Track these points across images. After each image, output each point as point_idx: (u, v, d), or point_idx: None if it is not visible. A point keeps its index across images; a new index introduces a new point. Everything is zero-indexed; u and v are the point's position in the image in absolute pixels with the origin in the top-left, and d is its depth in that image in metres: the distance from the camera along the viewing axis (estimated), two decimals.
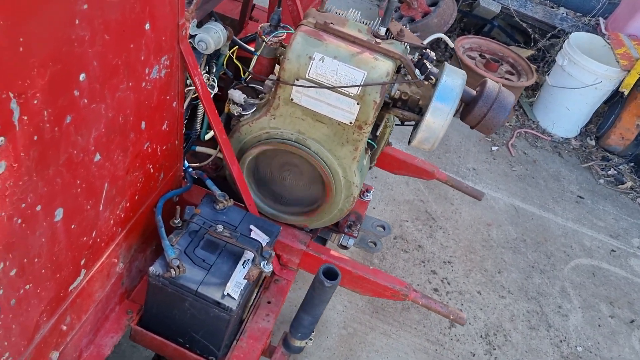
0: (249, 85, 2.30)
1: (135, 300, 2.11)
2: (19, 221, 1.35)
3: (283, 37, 2.29)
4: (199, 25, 2.13)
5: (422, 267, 3.57)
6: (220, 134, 2.09)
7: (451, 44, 2.26)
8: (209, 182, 2.18)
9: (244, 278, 1.96)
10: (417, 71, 2.05)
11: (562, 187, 4.67)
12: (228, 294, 1.89)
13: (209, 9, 2.22)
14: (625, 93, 4.60)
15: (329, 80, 1.98)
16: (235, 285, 1.92)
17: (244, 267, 1.98)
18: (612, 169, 4.93)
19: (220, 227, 1.99)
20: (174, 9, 1.77)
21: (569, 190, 4.65)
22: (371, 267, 2.41)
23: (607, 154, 5.07)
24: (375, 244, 2.87)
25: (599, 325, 3.60)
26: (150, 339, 2.06)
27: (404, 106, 2.18)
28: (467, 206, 4.12)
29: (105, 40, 1.46)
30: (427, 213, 3.96)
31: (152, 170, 1.99)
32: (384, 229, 2.85)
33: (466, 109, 2.26)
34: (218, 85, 2.33)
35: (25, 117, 1.25)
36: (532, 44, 5.63)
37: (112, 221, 1.81)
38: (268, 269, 1.99)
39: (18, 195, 1.31)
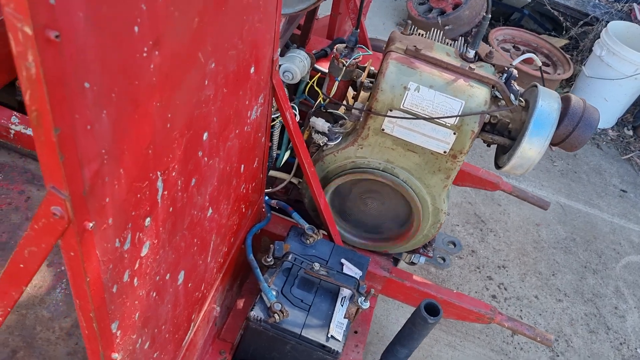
0: (327, 110, 2.22)
1: (226, 339, 2.07)
2: (154, 294, 1.29)
3: (359, 59, 2.21)
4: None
5: (478, 273, 3.53)
6: (309, 167, 2.02)
7: (539, 63, 2.18)
8: (295, 215, 2.12)
9: (344, 317, 1.91)
10: (511, 96, 1.98)
11: (605, 180, 4.62)
12: (332, 336, 1.84)
13: (288, 36, 2.13)
14: None
15: (425, 111, 1.90)
16: (338, 326, 1.88)
17: (342, 306, 1.94)
18: None
19: (316, 265, 1.94)
20: (272, 45, 1.69)
21: (611, 184, 4.60)
22: (454, 291, 2.36)
23: None
24: (444, 260, 2.82)
25: None
26: None
27: (492, 130, 2.11)
28: (515, 206, 4.07)
29: (224, 94, 1.39)
30: (477, 216, 3.91)
31: (244, 210, 1.93)
32: (454, 245, 2.80)
33: None
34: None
35: (166, 192, 1.18)
36: (564, 32, 5.52)
37: (215, 269, 1.76)
38: (366, 305, 1.94)
39: (155, 269, 1.25)
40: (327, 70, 2.30)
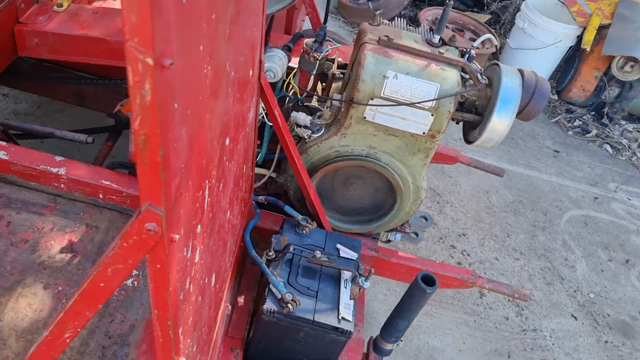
0: (304, 104, 2.30)
1: (234, 336, 2.12)
2: (200, 298, 1.34)
3: (329, 52, 2.30)
4: None
5: (442, 243, 3.73)
6: (298, 160, 2.10)
7: (496, 42, 2.35)
8: (287, 208, 2.19)
9: (350, 298, 2.01)
10: (479, 75, 2.13)
11: (539, 143, 4.96)
12: (343, 318, 1.94)
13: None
14: (588, 49, 4.89)
15: (405, 97, 2.02)
16: (346, 307, 1.98)
17: (346, 288, 2.04)
18: (577, 120, 5.27)
19: (318, 253, 2.02)
20: (259, 47, 1.75)
21: (545, 146, 4.95)
22: (437, 262, 2.52)
23: (570, 106, 5.41)
24: (417, 234, 2.98)
25: (602, 270, 3.93)
26: None
27: (461, 108, 2.26)
28: (464, 177, 4.31)
29: (237, 99, 1.45)
30: (432, 189, 4.11)
31: (243, 208, 1.98)
32: (426, 220, 2.96)
33: None
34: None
35: (209, 199, 1.24)
36: (485, 7, 5.82)
37: (230, 269, 1.81)
38: (367, 285, 2.05)
39: (201, 274, 1.30)
40: (295, 66, 2.38)
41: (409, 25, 2.27)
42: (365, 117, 2.09)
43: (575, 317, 3.55)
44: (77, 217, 2.31)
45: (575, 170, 4.78)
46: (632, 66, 4.84)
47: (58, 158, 2.31)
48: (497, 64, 2.24)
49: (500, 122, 2.15)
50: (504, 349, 3.23)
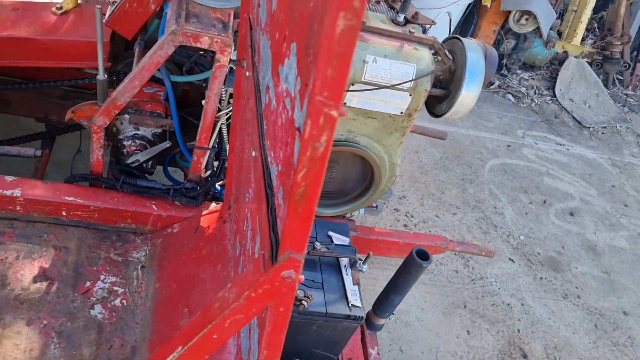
0: None
1: None
2: None
3: None
4: None
5: (386, 208, 3.85)
6: None
7: (450, 16, 2.40)
8: None
9: (353, 284, 2.04)
10: (446, 51, 2.19)
11: None
12: (353, 305, 1.97)
13: None
14: (489, 6, 5.15)
15: (385, 79, 2.03)
16: (352, 294, 2.00)
17: (347, 274, 2.06)
18: None
19: (318, 245, 2.02)
20: None
21: None
22: (411, 232, 2.61)
23: None
24: (376, 206, 3.04)
25: (526, 213, 4.28)
26: None
27: None
28: None
29: None
30: None
31: None
32: None
33: None
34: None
35: None
36: None
37: None
38: (365, 268, 2.09)
39: None
40: None
41: (369, 4, 2.26)
42: (345, 103, 2.08)
43: (512, 260, 3.85)
44: (41, 239, 2.11)
45: (487, 121, 5.09)
46: (526, 19, 5.17)
47: (9, 178, 2.09)
48: (458, 38, 2.30)
49: (469, 95, 2.23)
50: (460, 300, 3.45)
